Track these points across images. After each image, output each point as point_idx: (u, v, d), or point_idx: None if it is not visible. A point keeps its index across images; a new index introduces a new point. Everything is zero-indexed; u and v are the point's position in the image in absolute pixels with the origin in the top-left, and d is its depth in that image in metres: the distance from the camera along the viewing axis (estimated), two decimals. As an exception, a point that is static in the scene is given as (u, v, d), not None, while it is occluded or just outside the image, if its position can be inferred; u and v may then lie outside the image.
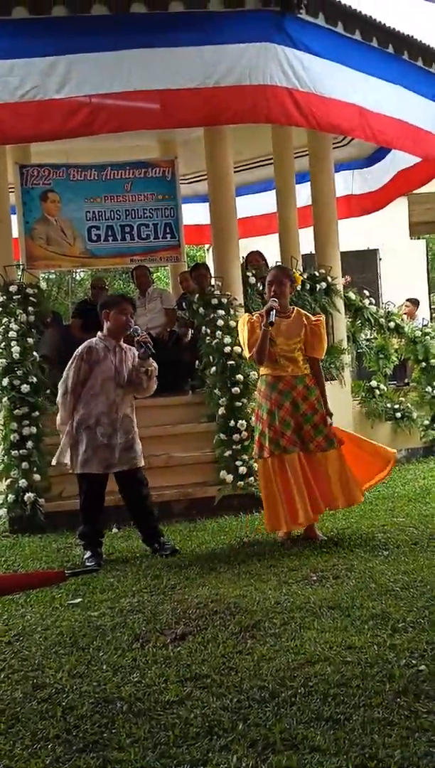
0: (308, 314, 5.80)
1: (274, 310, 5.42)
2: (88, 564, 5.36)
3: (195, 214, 11.31)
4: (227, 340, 7.28)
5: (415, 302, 12.29)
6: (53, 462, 5.62)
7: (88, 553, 5.50)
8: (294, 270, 7.43)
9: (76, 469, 5.49)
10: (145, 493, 5.67)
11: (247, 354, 5.71)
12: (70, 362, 5.52)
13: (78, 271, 19.26)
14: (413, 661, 3.27)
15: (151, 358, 5.51)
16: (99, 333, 5.61)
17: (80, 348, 5.51)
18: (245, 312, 7.32)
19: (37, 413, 6.99)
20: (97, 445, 5.42)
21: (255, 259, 9.13)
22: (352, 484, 5.59)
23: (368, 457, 5.81)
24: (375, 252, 16.28)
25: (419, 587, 4.26)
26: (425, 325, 10.13)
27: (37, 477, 6.80)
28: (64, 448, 5.50)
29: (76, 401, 5.45)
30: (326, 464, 5.53)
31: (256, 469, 6.13)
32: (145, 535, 5.69)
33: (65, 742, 2.81)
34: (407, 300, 12.07)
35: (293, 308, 5.75)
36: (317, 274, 8.86)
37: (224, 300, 7.65)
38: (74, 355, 5.50)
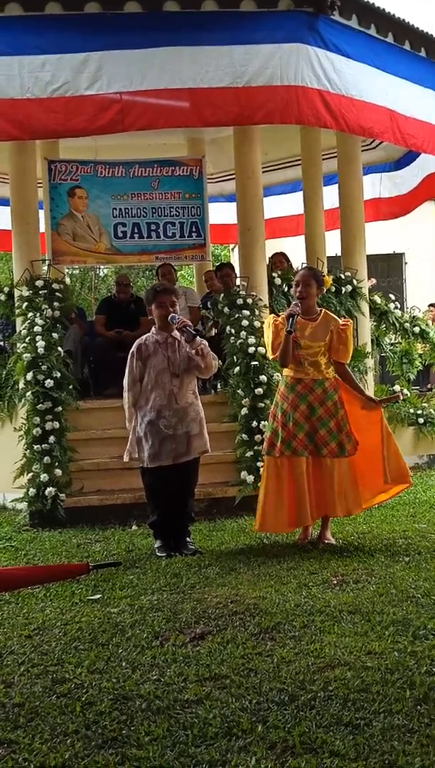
0: (336, 317, 5.73)
1: (295, 316, 5.35)
2: (159, 554, 5.42)
3: (221, 213, 11.31)
4: (251, 340, 7.26)
5: (439, 307, 12.24)
6: (124, 459, 5.62)
7: (157, 543, 5.58)
8: (323, 272, 7.41)
9: (144, 463, 5.50)
10: (192, 492, 5.72)
11: (270, 355, 5.69)
12: (127, 363, 5.60)
13: (102, 267, 19.34)
14: (434, 669, 3.24)
15: (196, 338, 5.49)
16: (152, 328, 5.66)
17: (133, 347, 5.58)
18: (270, 313, 7.29)
19: (60, 408, 7.03)
20: (164, 437, 5.44)
21: (279, 260, 9.13)
22: (351, 495, 5.52)
23: (381, 469, 5.59)
24: (401, 256, 16.23)
25: (440, 594, 4.23)
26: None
27: (58, 472, 6.83)
28: (132, 445, 5.53)
29: (136, 398, 5.51)
30: (333, 471, 5.44)
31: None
32: (173, 530, 5.63)
33: (84, 738, 2.81)
34: (431, 305, 12.02)
35: (321, 310, 5.65)
36: (343, 276, 8.83)
37: (249, 300, 7.64)
38: (129, 354, 5.58)
